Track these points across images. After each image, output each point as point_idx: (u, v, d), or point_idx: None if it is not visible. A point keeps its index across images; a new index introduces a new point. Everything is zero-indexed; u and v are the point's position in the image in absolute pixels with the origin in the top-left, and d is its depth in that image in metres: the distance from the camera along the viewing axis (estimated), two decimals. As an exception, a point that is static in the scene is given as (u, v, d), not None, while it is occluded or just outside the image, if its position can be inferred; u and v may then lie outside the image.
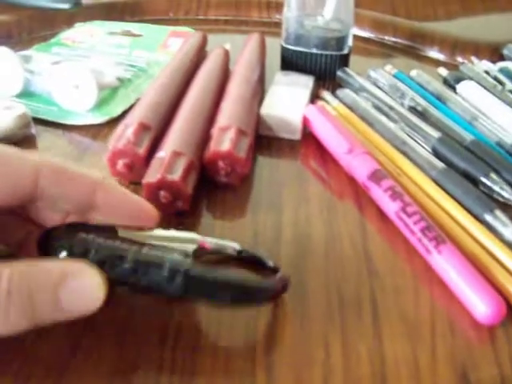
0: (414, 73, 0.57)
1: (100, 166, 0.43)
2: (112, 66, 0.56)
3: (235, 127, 0.42)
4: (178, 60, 0.54)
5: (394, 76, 0.56)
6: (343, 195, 0.42)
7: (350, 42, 0.56)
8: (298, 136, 0.48)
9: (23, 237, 0.32)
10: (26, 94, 0.53)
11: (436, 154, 0.44)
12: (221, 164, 0.40)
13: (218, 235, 0.35)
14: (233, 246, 0.34)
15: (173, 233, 0.32)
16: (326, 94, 0.53)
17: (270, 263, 0.34)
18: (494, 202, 0.39)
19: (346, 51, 0.56)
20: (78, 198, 0.31)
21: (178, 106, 0.46)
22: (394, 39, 0.68)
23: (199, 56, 0.57)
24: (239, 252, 0.34)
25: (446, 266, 0.33)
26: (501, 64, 0.59)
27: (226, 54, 0.57)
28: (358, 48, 0.64)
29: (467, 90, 0.54)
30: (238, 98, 0.47)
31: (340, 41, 0.55)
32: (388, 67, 0.57)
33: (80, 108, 0.51)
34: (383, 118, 0.48)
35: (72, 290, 0.27)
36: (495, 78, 0.55)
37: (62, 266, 0.28)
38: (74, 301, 0.27)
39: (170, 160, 0.38)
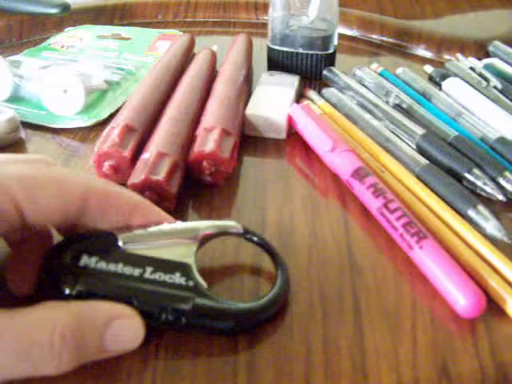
0: (399, 70, 0.57)
1: (87, 168, 0.43)
2: (100, 70, 0.56)
3: (219, 128, 0.42)
4: (165, 62, 0.55)
5: (380, 74, 0.56)
6: (327, 193, 0.42)
7: (335, 41, 0.56)
8: (283, 135, 0.48)
9: (20, 235, 0.32)
10: (15, 98, 0.53)
11: (420, 150, 0.45)
12: (205, 164, 0.40)
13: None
14: (234, 225, 0.34)
15: (175, 226, 0.33)
16: (312, 93, 0.53)
17: (274, 250, 0.35)
18: (478, 197, 0.40)
19: (331, 50, 0.56)
20: (116, 221, 0.32)
21: (165, 108, 0.47)
22: (381, 38, 0.68)
23: (187, 58, 0.58)
24: (245, 233, 0.34)
25: (428, 260, 0.34)
26: (486, 61, 0.59)
27: (213, 55, 0.58)
28: (345, 47, 0.65)
29: (452, 86, 0.54)
30: (224, 98, 0.47)
31: (325, 40, 0.56)
32: (374, 65, 0.58)
33: (68, 112, 0.51)
34: (367, 116, 0.49)
35: (117, 331, 0.28)
36: (480, 75, 0.55)
37: (107, 308, 0.29)
38: (118, 341, 0.29)
39: (155, 161, 0.39)
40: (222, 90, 0.49)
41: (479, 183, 0.41)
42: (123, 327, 0.29)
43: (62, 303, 0.28)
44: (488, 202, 0.40)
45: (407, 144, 0.46)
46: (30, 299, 0.28)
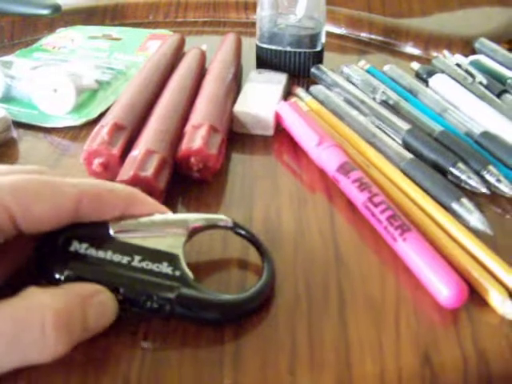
0: (386, 67, 0.58)
1: (78, 166, 0.44)
2: (91, 70, 0.57)
3: (207, 125, 0.43)
4: (155, 61, 0.55)
5: (367, 71, 0.57)
6: (314, 188, 0.43)
7: (323, 39, 0.57)
8: (270, 132, 0.49)
9: None
10: (6, 98, 0.54)
11: (406, 145, 0.46)
12: (193, 160, 0.41)
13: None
14: (223, 219, 0.35)
15: (165, 217, 0.34)
16: (300, 91, 0.54)
17: (261, 243, 0.35)
18: (462, 191, 0.40)
19: (319, 48, 0.57)
20: (110, 218, 0.32)
21: (153, 106, 0.47)
22: (369, 36, 0.69)
23: (176, 57, 0.58)
24: (234, 226, 0.35)
25: (411, 252, 0.34)
26: (472, 57, 0.60)
27: (203, 54, 0.58)
28: (333, 45, 0.65)
29: (439, 83, 0.55)
30: (212, 96, 0.48)
31: (313, 38, 0.56)
32: (361, 63, 0.58)
33: (59, 111, 0.51)
34: (354, 112, 0.49)
35: (97, 307, 0.29)
36: (466, 71, 0.56)
37: (83, 287, 0.29)
38: (98, 318, 0.29)
39: (143, 158, 0.39)
40: (210, 87, 0.50)
41: (463, 177, 0.41)
42: (101, 302, 0.29)
43: (47, 288, 0.28)
44: (472, 195, 0.40)
45: (393, 139, 0.46)
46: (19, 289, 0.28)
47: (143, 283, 0.30)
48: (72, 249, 0.31)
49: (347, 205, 0.40)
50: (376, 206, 0.37)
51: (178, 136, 0.44)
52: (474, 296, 0.33)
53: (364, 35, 0.69)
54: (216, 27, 0.74)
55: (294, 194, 0.42)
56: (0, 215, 0.28)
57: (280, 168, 0.45)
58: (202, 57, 0.58)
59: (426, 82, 0.56)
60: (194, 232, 0.34)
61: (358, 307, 0.33)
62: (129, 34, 0.70)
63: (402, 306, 0.33)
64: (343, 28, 0.70)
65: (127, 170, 0.39)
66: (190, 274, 0.31)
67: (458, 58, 0.60)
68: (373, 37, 0.68)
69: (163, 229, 0.33)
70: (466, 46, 0.64)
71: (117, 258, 0.31)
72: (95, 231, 0.32)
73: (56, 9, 0.68)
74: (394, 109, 0.50)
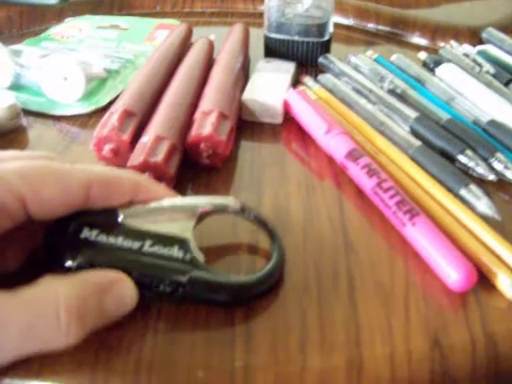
0: (394, 57, 0.58)
1: (87, 153, 0.44)
2: (100, 58, 0.57)
3: (217, 111, 0.43)
4: (163, 50, 0.56)
5: (375, 61, 0.57)
6: (322, 175, 0.43)
7: (330, 28, 0.57)
8: (279, 120, 0.49)
9: None
10: (16, 86, 0.54)
11: (414, 133, 0.46)
12: (202, 146, 0.41)
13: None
14: (232, 201, 0.35)
15: (174, 202, 0.34)
16: (308, 79, 0.54)
17: (270, 226, 0.35)
18: (470, 178, 0.40)
19: (327, 37, 0.57)
20: (120, 204, 0.33)
21: (163, 94, 0.48)
22: (376, 26, 0.69)
23: (184, 46, 0.58)
24: (242, 209, 0.35)
25: (420, 237, 0.34)
26: (479, 47, 0.60)
27: (211, 44, 0.59)
28: (341, 35, 0.65)
29: (446, 72, 0.55)
30: (221, 84, 0.48)
31: (321, 27, 0.56)
32: (369, 52, 0.59)
33: (68, 99, 0.52)
34: (362, 101, 0.49)
35: (116, 295, 0.29)
36: (474, 61, 0.56)
37: (104, 274, 0.30)
38: (117, 305, 0.30)
39: (153, 144, 0.40)
40: (219, 76, 0.50)
41: (471, 164, 0.42)
42: (121, 290, 0.30)
43: (62, 276, 0.29)
44: (480, 182, 0.41)
45: (401, 127, 0.46)
46: (31, 277, 0.29)
47: (155, 267, 0.31)
48: (83, 236, 0.31)
49: (356, 191, 0.41)
50: (385, 191, 0.37)
51: (188, 123, 0.44)
52: (483, 280, 0.33)
53: (371, 26, 0.69)
54: (223, 18, 0.74)
55: (302, 182, 0.42)
56: (10, 199, 0.28)
57: (288, 156, 0.45)
58: (210, 46, 0.58)
59: (433, 71, 0.56)
60: (203, 215, 0.34)
61: (368, 291, 0.33)
62: (136, 23, 0.70)
63: (411, 290, 0.33)
64: (350, 19, 0.70)
65: (137, 156, 0.39)
66: (200, 256, 0.32)
67: (466, 47, 0.60)
68: (380, 27, 0.69)
69: (172, 213, 0.33)
70: (473, 36, 0.64)
71: (128, 243, 0.31)
72: (105, 218, 0.32)
73: (64, -2, 0.68)
74: (402, 97, 0.51)
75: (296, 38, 0.57)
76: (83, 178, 0.31)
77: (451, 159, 0.42)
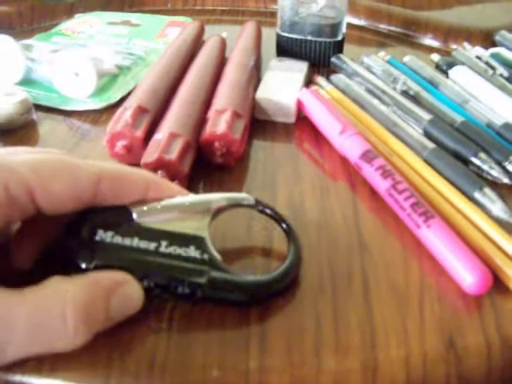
0: (407, 58, 0.58)
1: (98, 149, 0.44)
2: (111, 55, 0.57)
3: (231, 110, 0.43)
4: (176, 47, 0.55)
5: (387, 62, 0.57)
6: (336, 175, 0.43)
7: (343, 28, 0.57)
8: (292, 119, 0.49)
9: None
10: (27, 81, 0.54)
11: (427, 135, 0.46)
12: (216, 145, 0.41)
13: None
14: (246, 197, 0.34)
15: (187, 199, 0.33)
16: (320, 79, 0.54)
17: (287, 222, 0.35)
18: (484, 181, 0.40)
19: (340, 38, 0.57)
20: (130, 202, 0.32)
21: (176, 91, 0.47)
22: (388, 27, 0.69)
23: (196, 44, 0.58)
24: (256, 204, 0.35)
25: (435, 239, 0.34)
26: (492, 50, 0.60)
27: (223, 41, 0.59)
28: (353, 36, 0.65)
29: (459, 74, 0.55)
30: (234, 82, 0.48)
31: (334, 27, 0.56)
32: (381, 54, 0.58)
33: (80, 95, 0.52)
34: (375, 101, 0.49)
35: (121, 297, 0.29)
36: (487, 63, 0.56)
37: (109, 276, 0.29)
38: (122, 307, 0.29)
39: (167, 141, 0.40)
40: (232, 74, 0.50)
41: (485, 167, 0.41)
42: (127, 292, 0.29)
43: (70, 277, 0.28)
44: (494, 185, 0.40)
45: (414, 129, 0.46)
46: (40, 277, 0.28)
47: (173, 269, 0.30)
48: (98, 238, 0.31)
49: (370, 193, 0.41)
50: (400, 193, 0.37)
51: (201, 121, 0.44)
52: (498, 283, 0.33)
53: (383, 27, 0.69)
54: (234, 16, 0.74)
55: (316, 182, 0.42)
56: (18, 190, 0.28)
57: (302, 155, 0.45)
58: (223, 44, 0.58)
59: (445, 73, 0.56)
60: (217, 212, 0.33)
61: (383, 293, 0.33)
62: (148, 20, 0.70)
63: (425, 292, 0.33)
64: (363, 19, 0.70)
65: (151, 153, 0.39)
66: (217, 255, 0.31)
67: (478, 50, 0.60)
68: (392, 28, 0.68)
69: (186, 211, 0.33)
70: (486, 39, 0.64)
71: (143, 244, 0.31)
72: (118, 217, 0.32)
73: (75, -6, 0.68)
74: (415, 99, 0.50)
75: (309, 37, 0.57)
76: (94, 171, 0.30)
77: (465, 162, 0.42)
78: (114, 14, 0.72)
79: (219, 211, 0.34)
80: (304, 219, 0.38)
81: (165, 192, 0.33)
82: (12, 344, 0.26)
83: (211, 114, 0.44)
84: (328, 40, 0.57)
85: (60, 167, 0.30)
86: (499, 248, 0.35)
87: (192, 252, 0.31)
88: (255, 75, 0.53)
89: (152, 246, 0.31)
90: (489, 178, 0.41)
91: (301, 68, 0.54)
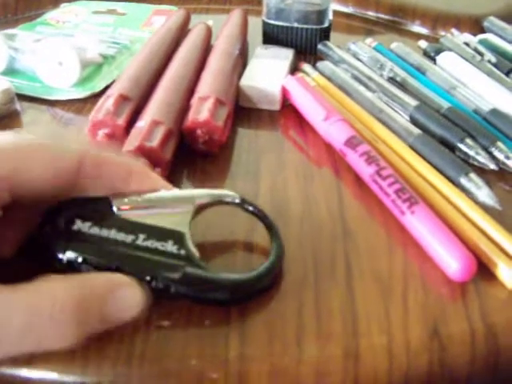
0: (394, 45, 0.57)
1: (82, 138, 0.43)
2: (95, 44, 0.56)
3: (214, 97, 0.43)
4: (160, 35, 0.55)
5: (374, 48, 0.56)
6: (320, 162, 0.42)
7: (330, 15, 0.56)
8: (277, 107, 0.48)
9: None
10: (9, 71, 0.54)
11: (413, 121, 0.45)
12: (199, 132, 0.41)
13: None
14: (230, 195, 0.34)
15: (170, 193, 0.33)
16: (306, 66, 0.53)
17: (270, 220, 0.34)
18: (470, 167, 0.40)
19: (326, 24, 0.56)
20: (111, 189, 0.31)
21: (159, 79, 0.47)
22: (376, 14, 0.68)
23: (182, 32, 0.58)
24: (242, 202, 0.34)
25: (419, 225, 0.34)
26: (481, 36, 0.59)
27: (209, 29, 0.58)
28: (340, 24, 0.65)
29: (447, 60, 0.54)
30: (218, 70, 0.48)
31: (320, 14, 0.56)
32: (368, 40, 0.58)
33: (63, 84, 0.51)
34: (361, 88, 0.49)
35: (118, 300, 0.28)
36: (475, 50, 0.55)
37: (107, 278, 0.29)
38: (119, 310, 0.28)
39: (149, 128, 0.39)
40: (216, 61, 0.49)
41: (472, 153, 0.41)
42: (124, 296, 0.28)
43: (63, 276, 0.28)
44: (480, 171, 0.40)
45: (400, 116, 0.46)
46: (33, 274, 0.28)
47: (147, 262, 0.30)
48: (75, 228, 0.30)
49: (354, 179, 0.40)
50: (384, 179, 0.37)
51: (184, 108, 0.43)
52: (483, 270, 0.33)
53: (371, 14, 0.68)
54: (221, 5, 0.73)
55: (300, 169, 0.41)
56: None
57: (286, 143, 0.45)
58: (208, 32, 0.57)
59: (433, 60, 0.56)
60: (200, 208, 0.33)
61: (366, 280, 0.32)
62: (133, 9, 0.69)
63: (409, 279, 0.33)
64: (350, 6, 0.69)
65: (133, 141, 0.38)
66: (196, 252, 0.30)
67: (467, 36, 0.59)
68: (380, 15, 0.68)
69: (168, 205, 0.32)
70: (475, 26, 0.63)
71: (121, 236, 0.30)
72: (98, 209, 0.31)
73: (60, -17, 0.67)
74: (402, 86, 0.50)
75: (295, 24, 0.56)
76: (75, 152, 0.29)
77: (451, 148, 0.42)
78: (99, 3, 0.71)
79: (202, 208, 0.33)
80: (287, 207, 0.38)
81: (148, 185, 0.32)
82: (5, 341, 0.26)
83: (194, 101, 0.43)
84: (314, 27, 0.56)
85: (38, 149, 0.29)
86: (485, 234, 0.34)
87: (169, 247, 0.30)
88: (240, 63, 0.52)
89: (129, 238, 0.30)
90: (475, 164, 0.41)
91: (286, 55, 0.54)
